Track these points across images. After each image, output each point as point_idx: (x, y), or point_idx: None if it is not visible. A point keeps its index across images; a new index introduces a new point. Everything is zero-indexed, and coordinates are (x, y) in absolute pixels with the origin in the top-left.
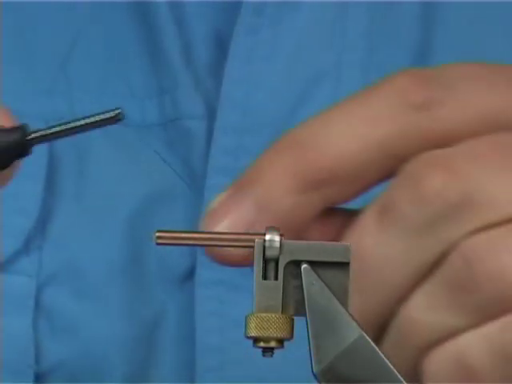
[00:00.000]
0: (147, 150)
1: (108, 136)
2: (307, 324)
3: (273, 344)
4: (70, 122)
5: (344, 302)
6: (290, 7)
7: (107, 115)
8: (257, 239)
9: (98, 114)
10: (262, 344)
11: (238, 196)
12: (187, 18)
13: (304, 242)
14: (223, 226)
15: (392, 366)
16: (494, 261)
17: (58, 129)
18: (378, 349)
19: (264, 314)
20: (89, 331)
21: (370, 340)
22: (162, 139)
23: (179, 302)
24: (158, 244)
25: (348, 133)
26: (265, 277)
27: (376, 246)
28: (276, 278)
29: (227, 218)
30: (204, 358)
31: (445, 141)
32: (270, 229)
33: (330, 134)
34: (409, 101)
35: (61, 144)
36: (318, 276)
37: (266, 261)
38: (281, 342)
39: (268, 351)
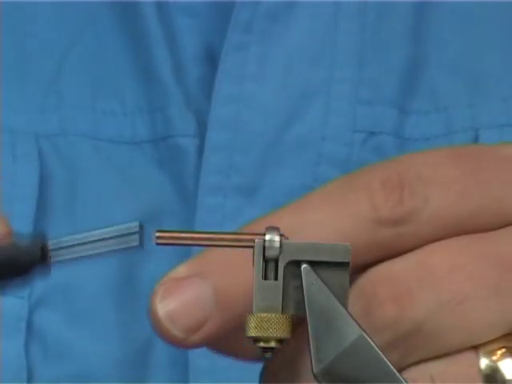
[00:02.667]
0: (138, 167)
1: (99, 153)
2: (307, 324)
3: (273, 344)
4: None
5: (344, 302)
6: (278, 23)
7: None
8: (257, 239)
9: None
10: (261, 344)
11: (197, 277)
12: (178, 35)
13: (304, 242)
14: (175, 301)
15: (392, 366)
16: None
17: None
18: (378, 349)
19: (264, 314)
20: (81, 353)
21: (370, 340)
22: (152, 157)
23: None
24: (158, 244)
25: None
26: (265, 277)
27: None
28: (276, 278)
29: (180, 296)
30: (197, 380)
31: (405, 249)
32: (270, 229)
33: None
34: (379, 217)
35: (51, 163)
36: (318, 276)
37: (265, 261)
38: (281, 341)
39: (268, 351)
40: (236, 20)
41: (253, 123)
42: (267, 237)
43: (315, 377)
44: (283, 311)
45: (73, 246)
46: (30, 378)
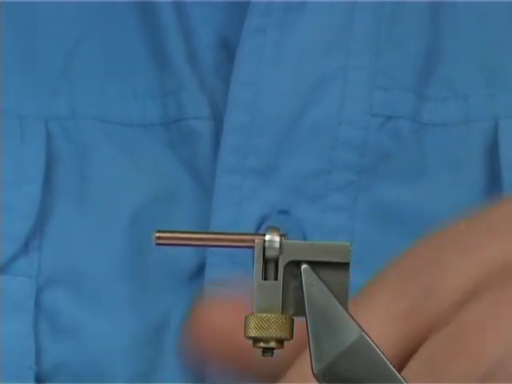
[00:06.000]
0: (149, 150)
1: (109, 136)
2: (307, 324)
3: (273, 344)
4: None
5: (344, 303)
6: (296, 9)
7: None
8: (257, 239)
9: None
10: (261, 344)
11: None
12: (193, 24)
13: (304, 242)
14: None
15: (392, 366)
16: None
17: None
18: (377, 349)
19: (264, 314)
20: (91, 332)
21: (369, 340)
22: (164, 139)
23: (186, 302)
24: (158, 244)
25: None
26: (265, 277)
27: None
28: (276, 279)
29: None
30: None
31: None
32: (270, 229)
33: None
34: (395, 314)
35: (60, 146)
36: (318, 276)
37: (265, 261)
38: (281, 342)
39: (268, 351)
40: (254, 5)
41: (270, 106)
42: (267, 237)
43: (315, 377)
44: (283, 311)
45: None
46: (38, 355)
